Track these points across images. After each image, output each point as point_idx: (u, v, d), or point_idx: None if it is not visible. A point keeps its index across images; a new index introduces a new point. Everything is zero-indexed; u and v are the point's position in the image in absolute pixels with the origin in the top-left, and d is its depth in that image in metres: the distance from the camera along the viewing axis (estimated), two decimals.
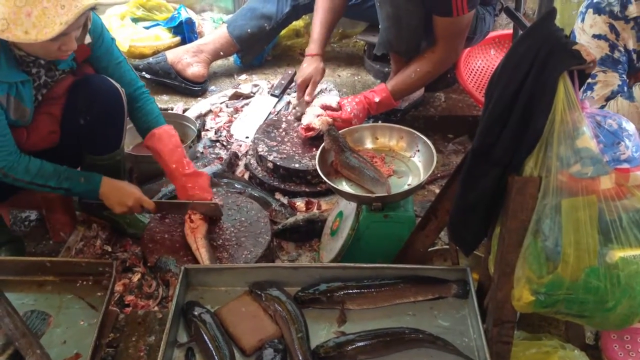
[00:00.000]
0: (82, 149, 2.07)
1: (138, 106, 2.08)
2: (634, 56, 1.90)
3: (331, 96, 2.67)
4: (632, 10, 1.87)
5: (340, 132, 2.08)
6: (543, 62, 1.29)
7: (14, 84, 1.77)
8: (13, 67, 1.75)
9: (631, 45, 1.89)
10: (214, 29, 3.29)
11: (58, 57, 1.77)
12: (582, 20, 1.94)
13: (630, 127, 1.36)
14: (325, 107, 2.44)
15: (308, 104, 2.58)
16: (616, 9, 1.88)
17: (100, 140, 2.05)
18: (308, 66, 2.63)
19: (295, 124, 2.56)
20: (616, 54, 1.87)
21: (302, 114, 2.53)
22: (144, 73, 2.89)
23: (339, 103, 2.45)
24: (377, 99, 2.46)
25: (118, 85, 1.98)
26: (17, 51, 1.75)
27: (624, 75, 1.92)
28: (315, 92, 2.70)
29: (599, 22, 1.90)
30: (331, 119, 2.36)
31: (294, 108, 2.69)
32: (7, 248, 2.04)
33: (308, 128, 2.42)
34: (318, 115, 2.41)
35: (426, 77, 2.49)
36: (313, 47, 2.64)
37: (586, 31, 1.91)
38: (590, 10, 1.93)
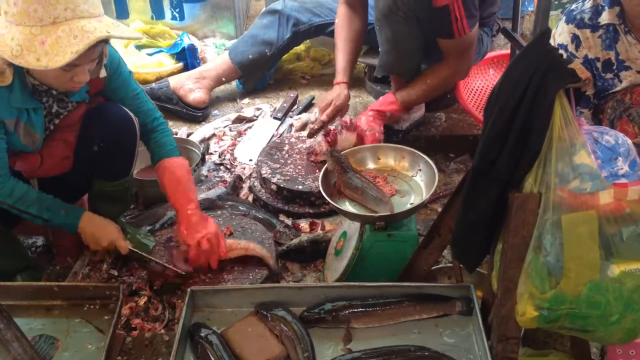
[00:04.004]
0: (93, 175, 2.09)
1: (153, 137, 2.08)
2: (598, 64, 1.93)
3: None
4: (604, 17, 1.92)
5: (342, 153, 2.11)
6: (540, 80, 1.32)
7: (25, 110, 1.80)
8: (27, 94, 1.79)
9: (593, 53, 1.92)
10: (216, 55, 3.34)
11: (70, 87, 1.80)
12: (557, 27, 1.99)
13: (626, 142, 1.39)
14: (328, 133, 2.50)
15: (324, 122, 2.60)
16: (587, 16, 1.92)
17: (111, 166, 2.08)
18: (332, 92, 2.65)
19: (299, 145, 2.59)
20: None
21: (314, 130, 2.58)
22: None
23: (354, 123, 2.51)
24: (382, 107, 2.54)
25: (131, 114, 2.01)
26: (31, 80, 1.78)
27: None
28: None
29: (565, 31, 1.95)
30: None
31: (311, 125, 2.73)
32: (26, 274, 2.05)
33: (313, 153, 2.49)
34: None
35: (436, 92, 2.55)
36: (338, 77, 2.67)
37: (555, 39, 1.96)
38: (564, 19, 1.98)
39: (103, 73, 1.88)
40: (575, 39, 1.93)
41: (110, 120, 1.99)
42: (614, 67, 1.94)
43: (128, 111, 2.02)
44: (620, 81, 1.96)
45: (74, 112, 1.95)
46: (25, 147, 1.88)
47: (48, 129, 1.92)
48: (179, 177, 2.02)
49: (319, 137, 2.50)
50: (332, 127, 2.52)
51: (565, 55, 1.93)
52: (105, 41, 1.72)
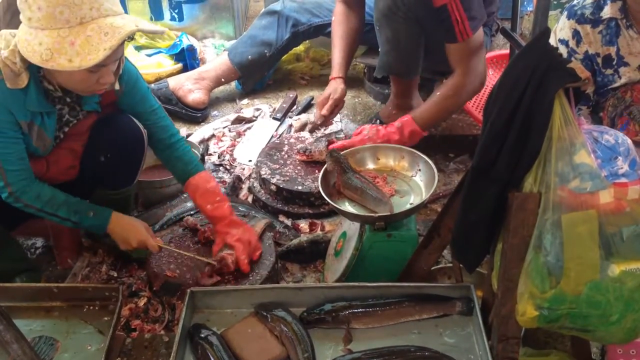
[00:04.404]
0: (97, 183, 2.10)
1: (177, 156, 2.07)
2: (599, 60, 1.93)
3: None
4: (606, 11, 1.91)
5: (341, 153, 2.11)
6: (539, 80, 1.32)
7: (39, 114, 1.80)
8: (42, 97, 1.78)
9: (593, 49, 1.92)
10: (215, 56, 3.34)
11: (96, 90, 1.79)
12: (558, 22, 1.99)
13: (626, 141, 1.39)
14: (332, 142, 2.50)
15: (324, 117, 2.62)
16: (588, 11, 1.92)
17: (116, 177, 2.09)
18: (328, 87, 2.68)
19: (298, 146, 2.59)
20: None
21: (313, 125, 2.60)
22: None
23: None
24: (398, 125, 2.42)
25: (141, 126, 2.02)
26: (46, 85, 1.78)
27: None
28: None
29: (567, 26, 1.95)
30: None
31: (311, 124, 2.76)
32: (25, 276, 2.04)
33: (306, 155, 2.48)
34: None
35: (451, 102, 2.44)
36: (333, 72, 2.69)
37: (556, 34, 1.96)
38: (565, 14, 1.98)
39: (117, 86, 1.88)
40: (576, 34, 1.93)
41: (119, 131, 2.00)
42: (614, 63, 1.94)
43: (137, 122, 2.02)
44: (620, 77, 1.96)
45: (82, 121, 1.95)
46: (35, 150, 1.87)
47: (58, 137, 1.93)
48: (211, 191, 2.05)
49: (321, 145, 2.49)
50: (336, 141, 2.51)
51: (566, 51, 1.93)
52: (131, 36, 1.72)
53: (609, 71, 1.95)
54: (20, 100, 1.75)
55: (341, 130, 2.87)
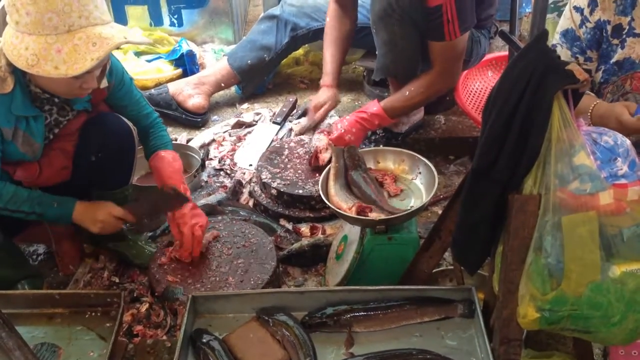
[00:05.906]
0: (91, 184, 2.10)
1: (151, 132, 2.11)
2: (608, 27, 1.91)
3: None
4: None
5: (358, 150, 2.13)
6: (537, 82, 1.32)
7: (24, 118, 1.80)
8: (28, 101, 1.79)
9: (606, 16, 1.90)
10: (215, 61, 3.34)
11: (78, 95, 1.80)
12: None
13: (625, 142, 1.39)
14: (322, 131, 2.53)
15: (316, 122, 2.65)
16: None
17: (110, 177, 2.09)
18: (323, 94, 2.69)
19: (299, 150, 2.59)
20: (581, 30, 1.90)
21: (306, 128, 2.66)
22: None
23: (333, 124, 2.53)
24: (365, 115, 2.47)
25: (130, 125, 2.03)
26: (33, 88, 1.78)
27: (578, 56, 1.95)
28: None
29: None
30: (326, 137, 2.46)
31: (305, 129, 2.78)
32: (27, 282, 2.04)
33: (317, 156, 2.47)
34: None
35: (420, 97, 2.49)
36: (327, 80, 2.70)
37: (571, 1, 1.95)
38: None
39: (104, 83, 1.89)
40: (592, 2, 1.91)
41: (109, 131, 2.00)
42: (624, 33, 1.91)
43: (127, 121, 2.03)
44: (623, 47, 1.93)
45: (73, 121, 1.96)
46: (23, 156, 1.87)
47: (47, 138, 1.93)
48: (177, 169, 2.08)
49: (320, 135, 2.50)
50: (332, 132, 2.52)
51: (579, 19, 1.92)
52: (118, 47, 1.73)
53: (616, 41, 1.92)
54: (5, 105, 1.75)
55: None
